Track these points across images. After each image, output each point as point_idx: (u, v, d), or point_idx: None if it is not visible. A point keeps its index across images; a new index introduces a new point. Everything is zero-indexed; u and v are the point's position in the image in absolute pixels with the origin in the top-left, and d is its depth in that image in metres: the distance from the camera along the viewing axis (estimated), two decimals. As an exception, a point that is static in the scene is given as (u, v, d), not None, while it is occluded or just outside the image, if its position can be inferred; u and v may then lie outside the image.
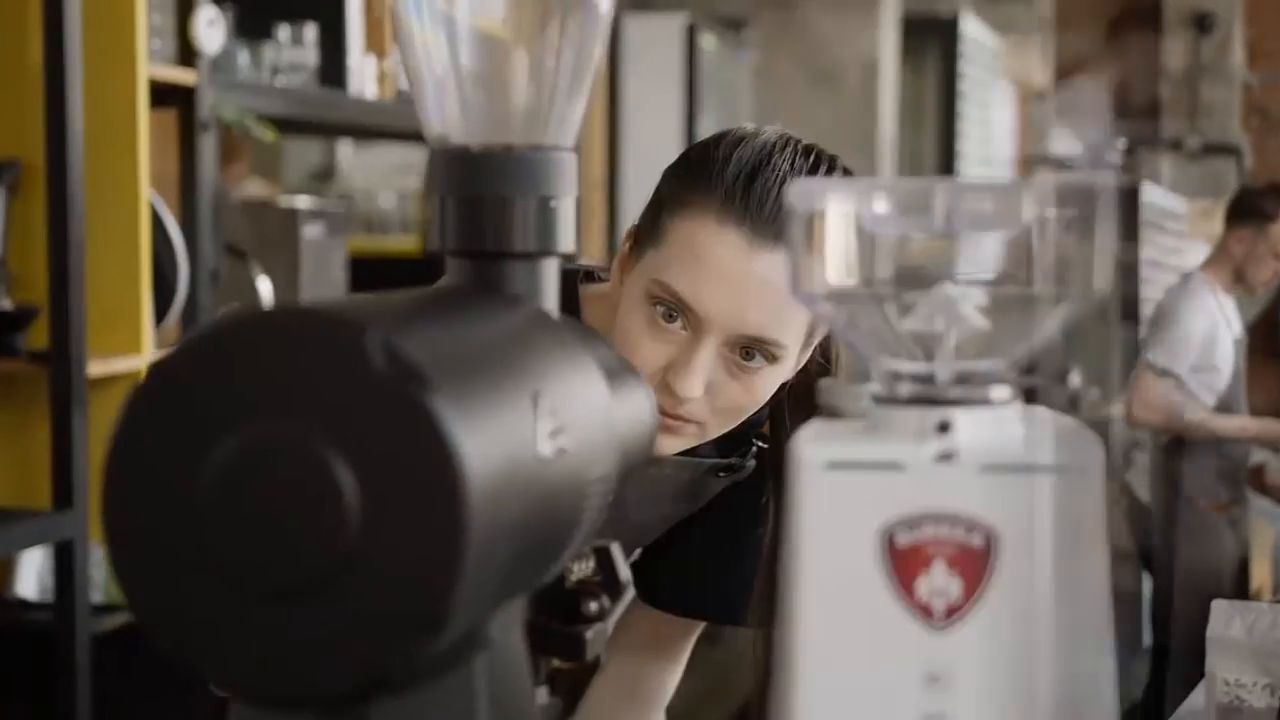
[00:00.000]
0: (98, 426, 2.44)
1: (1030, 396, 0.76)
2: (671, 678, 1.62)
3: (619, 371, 0.88)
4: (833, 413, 0.79)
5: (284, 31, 3.11)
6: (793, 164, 1.29)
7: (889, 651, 0.69)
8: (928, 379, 0.72)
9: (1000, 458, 0.69)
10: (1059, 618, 0.68)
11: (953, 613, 0.69)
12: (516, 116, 0.83)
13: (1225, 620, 1.87)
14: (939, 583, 0.69)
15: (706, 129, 5.87)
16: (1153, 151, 6.60)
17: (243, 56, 3.01)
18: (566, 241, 0.83)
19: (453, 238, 0.82)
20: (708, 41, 5.09)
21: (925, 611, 0.69)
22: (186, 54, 2.73)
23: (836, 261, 0.73)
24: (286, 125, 3.27)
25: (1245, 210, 4.42)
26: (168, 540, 0.64)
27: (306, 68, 3.12)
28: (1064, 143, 5.87)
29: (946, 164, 7.70)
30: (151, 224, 2.59)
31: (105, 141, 2.52)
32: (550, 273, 0.83)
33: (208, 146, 2.75)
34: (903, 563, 0.69)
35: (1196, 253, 8.74)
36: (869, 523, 0.70)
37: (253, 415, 0.63)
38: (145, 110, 2.56)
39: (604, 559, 0.89)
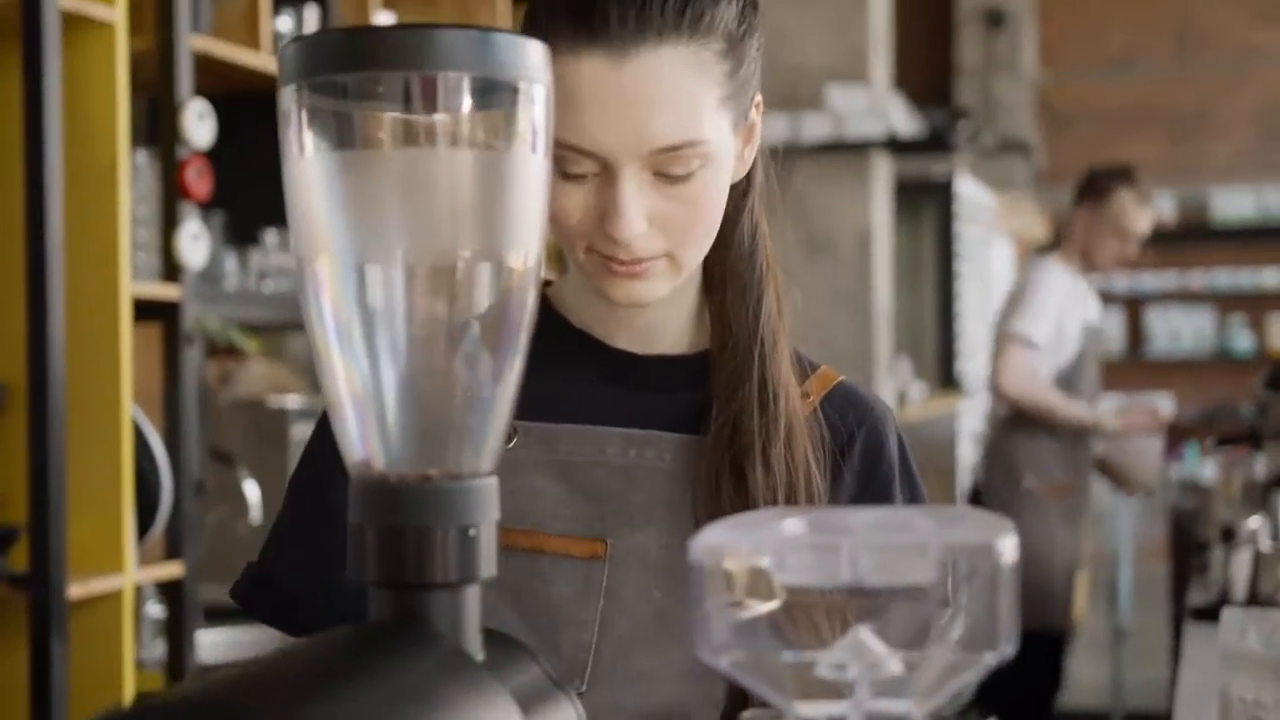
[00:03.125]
0: (78, 651, 2.42)
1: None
2: None
3: (543, 692, 0.87)
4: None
5: (271, 236, 3.14)
6: None
7: None
8: (841, 728, 0.72)
9: (912, 819, 0.68)
10: None
11: None
12: (436, 445, 0.83)
13: (1239, 631, 1.69)
14: None
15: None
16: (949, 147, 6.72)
17: (230, 262, 3.04)
18: (489, 567, 0.83)
19: (373, 568, 0.82)
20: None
21: None
22: (171, 267, 2.76)
23: (743, 610, 0.72)
24: (276, 325, 3.29)
25: (1086, 190, 4.57)
26: None
27: (293, 271, 3.14)
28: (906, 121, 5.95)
29: (945, 322, 7.73)
30: (135, 439, 2.60)
31: (88, 360, 2.53)
32: (472, 600, 0.83)
33: (191, 359, 2.77)
34: None
35: (1003, 246, 8.81)
36: None
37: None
38: (129, 328, 2.57)
39: None
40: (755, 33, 1.22)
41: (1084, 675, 6.57)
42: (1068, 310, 4.41)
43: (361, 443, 0.84)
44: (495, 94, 0.80)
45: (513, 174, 0.81)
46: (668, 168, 1.17)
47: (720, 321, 1.31)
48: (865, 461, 1.32)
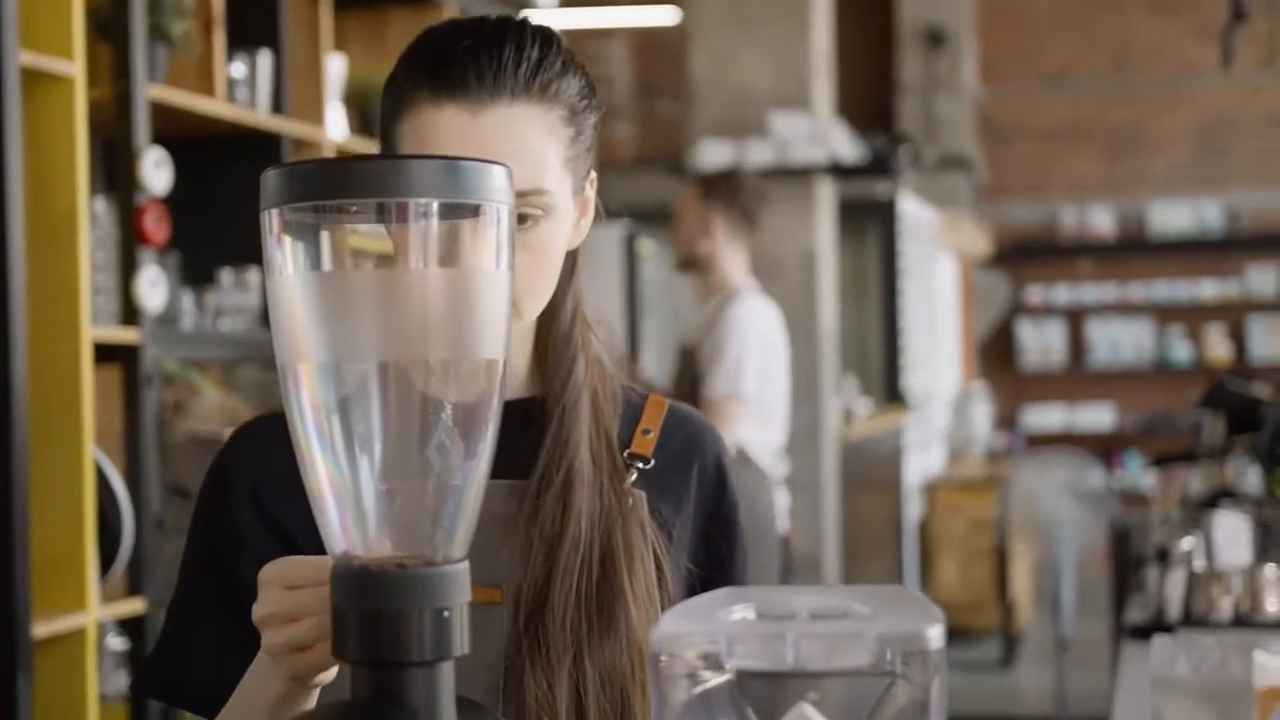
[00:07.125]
0: (42, 688, 2.47)
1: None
2: None
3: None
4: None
5: (227, 276, 3.20)
6: (487, 25, 1.27)
7: None
8: (783, 798, 0.79)
9: None
10: None
11: None
12: (411, 534, 0.91)
13: (1169, 658, 1.73)
14: None
15: (649, 329, 6.00)
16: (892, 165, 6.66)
17: (187, 302, 3.10)
18: (462, 645, 0.90)
19: (355, 649, 0.89)
20: (646, 247, 5.23)
21: None
22: (130, 311, 2.81)
23: (696, 689, 0.80)
24: (231, 361, 3.35)
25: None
26: None
27: (249, 310, 3.21)
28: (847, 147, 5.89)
29: (890, 338, 7.84)
30: (96, 479, 2.65)
31: (50, 403, 2.58)
32: (447, 675, 0.90)
33: (150, 400, 2.82)
34: None
35: (946, 262, 8.92)
36: None
37: None
38: (90, 371, 2.62)
39: None
40: (594, 112, 1.33)
41: (1029, 683, 6.69)
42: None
43: (342, 534, 0.91)
44: (460, 215, 0.87)
45: (478, 287, 0.89)
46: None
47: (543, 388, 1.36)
48: (704, 488, 1.40)
